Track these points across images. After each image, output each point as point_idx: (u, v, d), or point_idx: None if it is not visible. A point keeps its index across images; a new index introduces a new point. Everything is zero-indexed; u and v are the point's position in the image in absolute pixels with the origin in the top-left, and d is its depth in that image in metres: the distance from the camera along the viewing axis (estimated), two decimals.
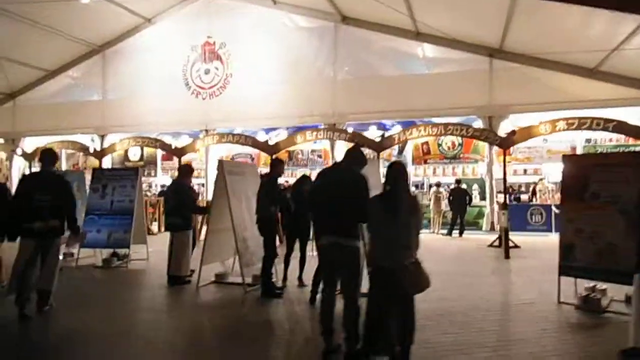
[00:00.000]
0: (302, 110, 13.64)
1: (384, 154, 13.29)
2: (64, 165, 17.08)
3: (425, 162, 13.44)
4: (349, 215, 3.67)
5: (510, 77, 11.91)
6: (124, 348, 4.18)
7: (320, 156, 14.82)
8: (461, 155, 13.75)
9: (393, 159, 14.31)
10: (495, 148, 12.92)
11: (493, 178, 12.44)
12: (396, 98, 12.75)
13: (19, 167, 16.45)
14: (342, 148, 14.76)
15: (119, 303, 5.85)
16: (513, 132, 9.63)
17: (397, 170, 3.53)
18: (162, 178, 17.28)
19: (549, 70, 11.50)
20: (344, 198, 3.68)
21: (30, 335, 4.63)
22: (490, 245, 9.96)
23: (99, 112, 15.68)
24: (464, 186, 12.64)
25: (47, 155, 5.05)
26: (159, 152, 16.16)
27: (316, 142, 13.80)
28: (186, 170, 6.82)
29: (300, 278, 6.57)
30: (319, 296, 4.62)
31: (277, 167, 6.17)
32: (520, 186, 14.19)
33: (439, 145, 13.48)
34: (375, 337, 3.37)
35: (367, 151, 14.17)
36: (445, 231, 12.46)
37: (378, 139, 11.89)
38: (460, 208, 12.17)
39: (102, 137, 15.87)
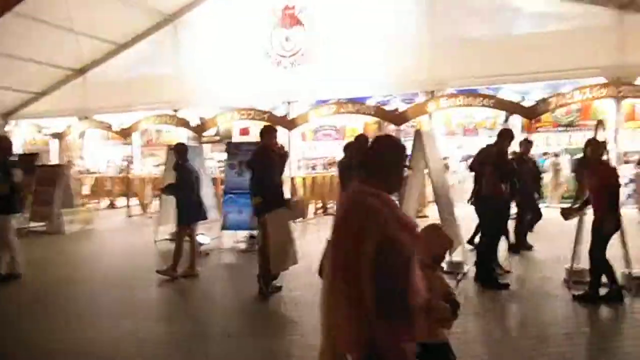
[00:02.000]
0: (394, 77, 12.62)
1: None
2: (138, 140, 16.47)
3: (536, 130, 12.29)
4: None
5: None
6: None
7: (413, 126, 13.80)
8: (578, 122, 12.54)
9: (499, 127, 13.21)
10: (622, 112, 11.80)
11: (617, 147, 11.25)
12: (500, 60, 11.54)
13: (93, 146, 15.88)
14: (439, 117, 13.75)
15: None
16: None
17: None
18: None
19: None
20: None
21: None
22: None
23: (172, 86, 14.85)
24: None
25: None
26: (236, 127, 15.35)
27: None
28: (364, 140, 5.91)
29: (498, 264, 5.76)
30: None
31: (507, 137, 5.22)
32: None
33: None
34: None
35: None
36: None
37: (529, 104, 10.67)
38: None
39: (176, 111, 15.18)
